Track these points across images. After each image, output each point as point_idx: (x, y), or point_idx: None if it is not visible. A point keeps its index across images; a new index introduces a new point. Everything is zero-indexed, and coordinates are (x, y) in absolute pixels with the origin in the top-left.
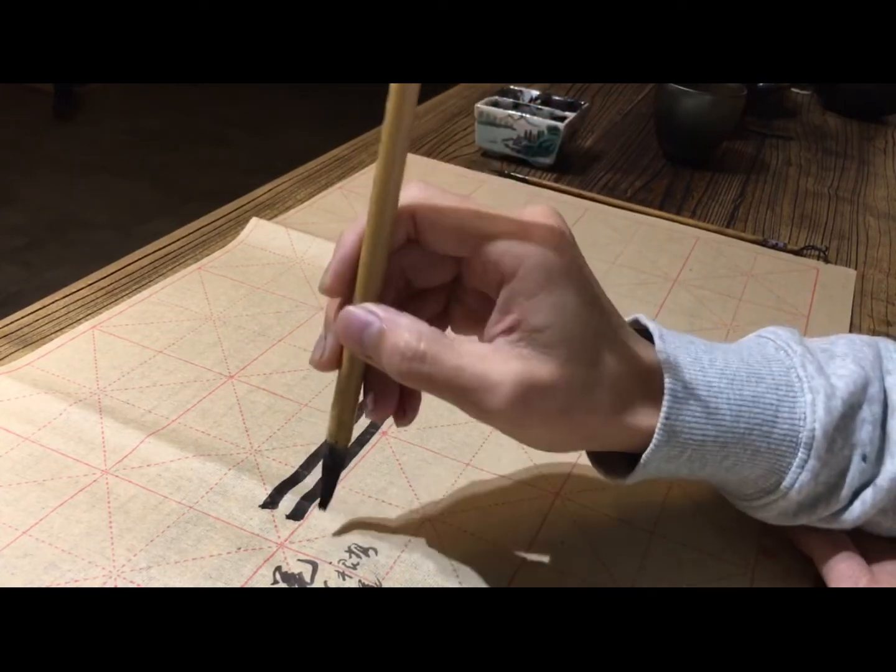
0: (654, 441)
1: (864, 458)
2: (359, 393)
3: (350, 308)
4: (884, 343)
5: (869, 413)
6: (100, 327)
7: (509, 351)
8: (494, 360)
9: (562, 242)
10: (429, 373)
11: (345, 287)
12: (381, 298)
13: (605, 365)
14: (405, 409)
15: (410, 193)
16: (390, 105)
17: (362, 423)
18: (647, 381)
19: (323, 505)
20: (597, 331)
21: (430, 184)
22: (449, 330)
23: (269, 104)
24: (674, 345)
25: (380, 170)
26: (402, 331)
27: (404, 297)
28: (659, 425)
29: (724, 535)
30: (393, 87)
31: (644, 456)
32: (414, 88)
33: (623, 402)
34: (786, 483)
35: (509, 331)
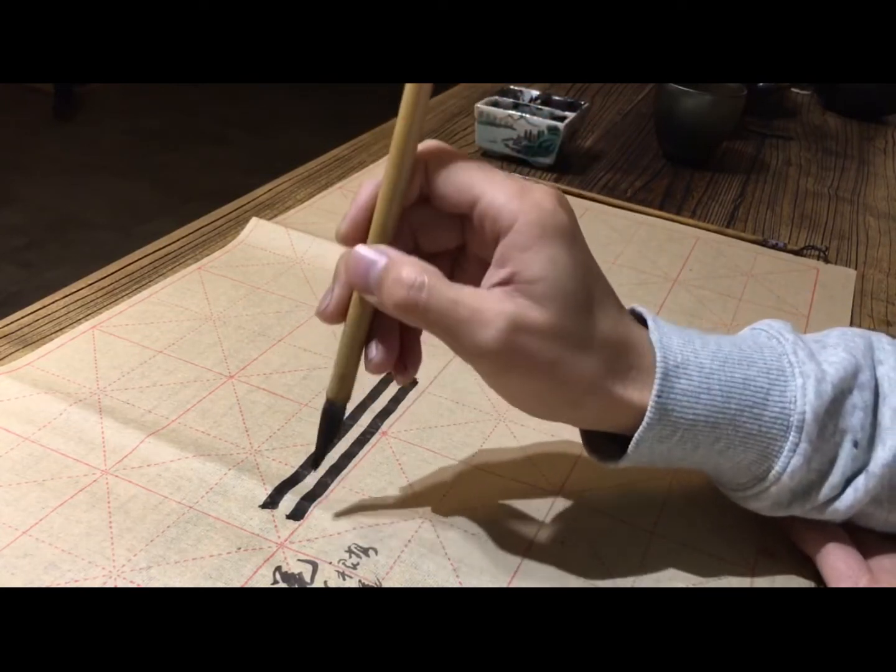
0: (646, 419)
1: (855, 445)
2: (362, 349)
3: (359, 247)
4: (876, 336)
5: (860, 399)
6: (100, 327)
7: (504, 295)
8: (490, 299)
9: (558, 206)
10: (426, 302)
11: (360, 235)
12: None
13: (597, 327)
14: (406, 364)
15: (424, 145)
16: (407, 92)
17: (362, 423)
18: (639, 358)
19: (315, 464)
20: (589, 292)
21: (443, 143)
22: None
23: (269, 104)
24: (666, 328)
25: (402, 116)
26: (406, 265)
27: None
28: (651, 403)
29: (724, 535)
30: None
31: (636, 434)
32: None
33: (613, 371)
34: (778, 467)
35: (504, 283)
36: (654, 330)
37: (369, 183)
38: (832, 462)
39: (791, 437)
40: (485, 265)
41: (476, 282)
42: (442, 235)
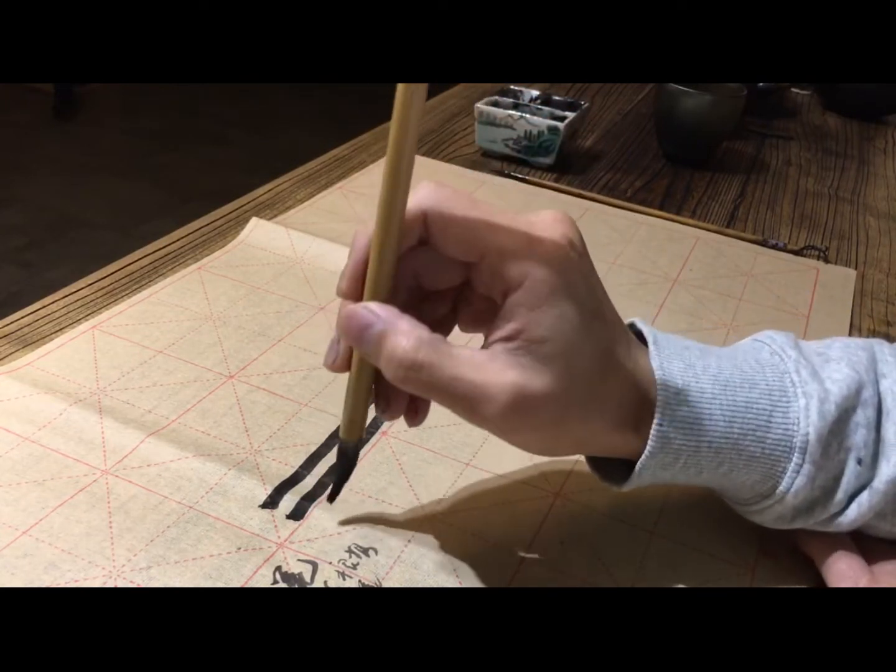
0: (648, 448)
1: (859, 462)
2: (370, 392)
3: (353, 307)
4: (879, 346)
5: (863, 417)
6: (100, 327)
7: (507, 360)
8: (491, 369)
9: (569, 255)
10: (426, 381)
11: (361, 290)
12: (390, 299)
13: (605, 377)
14: (416, 409)
15: (423, 194)
16: (397, 106)
17: None
18: (641, 389)
19: (331, 498)
20: (598, 343)
21: (443, 184)
22: (455, 329)
23: (269, 104)
24: (667, 351)
25: (387, 173)
26: (400, 337)
27: (415, 299)
28: (652, 432)
29: (724, 535)
30: (400, 87)
31: (639, 463)
32: (422, 89)
33: (622, 413)
34: (782, 487)
35: (510, 339)
36: (654, 355)
37: (363, 236)
38: (836, 479)
39: (795, 459)
40: (491, 300)
41: (482, 315)
42: (446, 276)
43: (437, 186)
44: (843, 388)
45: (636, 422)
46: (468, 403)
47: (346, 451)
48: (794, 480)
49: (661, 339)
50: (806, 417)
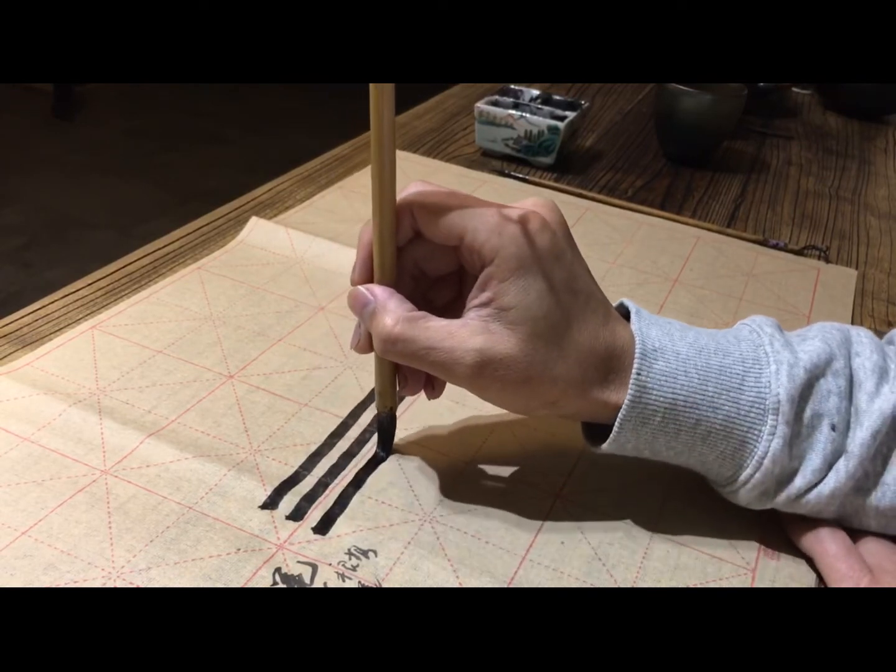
0: (627, 398)
1: (833, 428)
2: (393, 366)
3: (356, 287)
4: (855, 330)
5: (834, 385)
6: (99, 327)
7: (477, 326)
8: (461, 335)
9: (541, 230)
10: (401, 352)
11: (369, 278)
12: (394, 284)
13: (572, 342)
14: (433, 384)
15: (408, 191)
16: (372, 108)
17: (361, 423)
18: (619, 361)
19: (383, 456)
20: (566, 311)
21: (427, 182)
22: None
23: (269, 104)
24: (648, 321)
25: (374, 173)
26: (385, 315)
27: (422, 286)
28: (631, 381)
29: (724, 535)
30: (371, 88)
31: (619, 415)
32: (390, 87)
33: (590, 377)
34: (759, 451)
35: (483, 306)
36: (635, 321)
37: (367, 232)
38: (812, 447)
39: (769, 421)
40: None
41: None
42: (442, 262)
43: (421, 184)
44: (812, 356)
45: (614, 386)
46: (441, 367)
47: (381, 421)
48: (771, 443)
49: (644, 312)
50: (777, 380)
